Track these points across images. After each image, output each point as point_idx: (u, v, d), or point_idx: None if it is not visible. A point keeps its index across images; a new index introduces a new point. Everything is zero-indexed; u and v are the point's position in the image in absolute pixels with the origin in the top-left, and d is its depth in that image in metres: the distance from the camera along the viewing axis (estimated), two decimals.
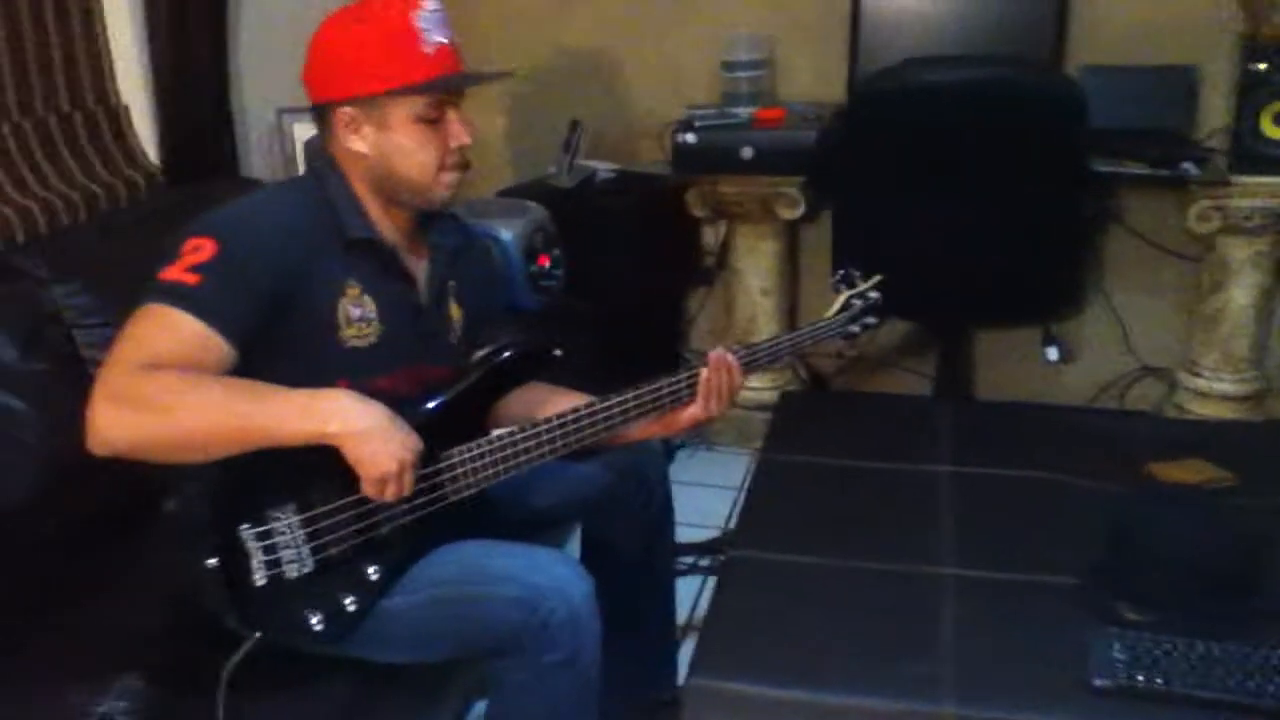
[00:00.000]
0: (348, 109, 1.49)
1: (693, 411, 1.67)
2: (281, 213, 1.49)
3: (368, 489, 1.38)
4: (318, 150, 1.58)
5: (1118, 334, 3.09)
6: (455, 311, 1.68)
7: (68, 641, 1.58)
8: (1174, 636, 1.40)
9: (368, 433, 1.34)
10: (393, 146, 1.49)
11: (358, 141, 1.50)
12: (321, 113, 1.53)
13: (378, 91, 1.46)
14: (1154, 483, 1.82)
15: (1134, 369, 3.11)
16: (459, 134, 1.51)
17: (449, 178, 1.54)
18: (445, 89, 1.50)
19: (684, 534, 1.97)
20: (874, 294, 1.92)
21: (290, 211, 1.50)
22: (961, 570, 1.63)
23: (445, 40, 1.49)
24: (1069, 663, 1.40)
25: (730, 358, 1.67)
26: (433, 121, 1.49)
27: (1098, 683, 1.35)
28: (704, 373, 1.64)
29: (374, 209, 1.54)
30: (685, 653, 2.02)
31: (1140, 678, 1.34)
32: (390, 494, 1.39)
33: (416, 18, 1.46)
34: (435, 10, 1.49)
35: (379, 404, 1.38)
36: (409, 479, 1.39)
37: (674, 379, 1.65)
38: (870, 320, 1.92)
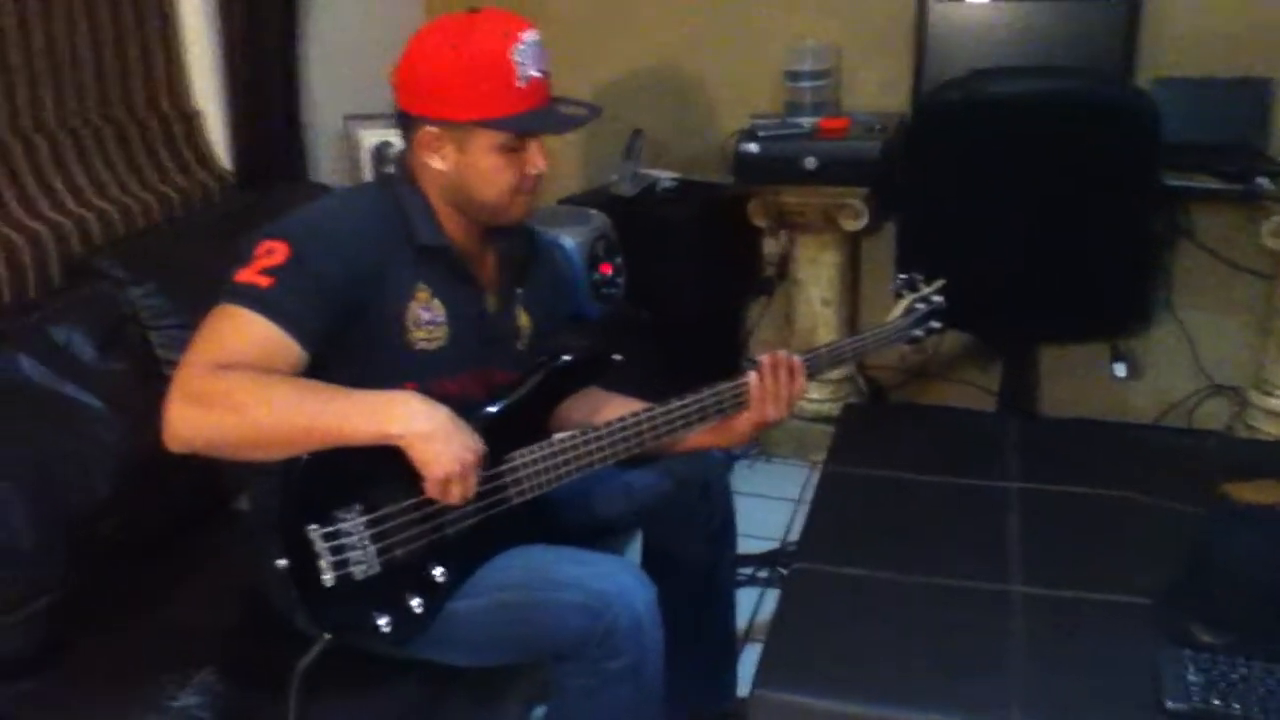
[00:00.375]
0: (431, 128, 1.49)
1: (747, 416, 1.67)
2: (354, 217, 1.51)
3: (431, 490, 1.40)
4: (396, 154, 1.60)
5: (1186, 351, 3.03)
6: (523, 319, 1.69)
7: (145, 636, 1.62)
8: (1250, 660, 1.37)
9: (431, 434, 1.36)
10: (471, 169, 1.50)
11: (437, 159, 1.51)
12: (405, 120, 1.53)
13: (463, 120, 1.47)
14: (1230, 503, 1.78)
15: (1203, 387, 3.06)
16: (536, 161, 1.52)
17: (523, 200, 1.55)
18: (532, 130, 1.50)
19: (742, 545, 1.97)
20: (937, 298, 1.90)
21: (362, 216, 1.52)
22: (1029, 588, 1.60)
23: (539, 74, 1.49)
24: (1140, 684, 1.38)
25: (796, 359, 1.67)
26: (513, 150, 1.49)
27: (1170, 705, 1.33)
28: (752, 377, 1.64)
29: (445, 216, 1.56)
30: (742, 664, 2.01)
31: (1215, 701, 1.32)
32: (455, 495, 1.40)
33: (514, 52, 1.45)
34: (534, 43, 1.48)
35: (444, 406, 1.39)
36: (472, 481, 1.41)
37: (734, 383, 1.65)
38: (934, 324, 1.90)
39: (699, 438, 1.71)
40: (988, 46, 2.86)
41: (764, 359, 1.65)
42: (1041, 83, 2.51)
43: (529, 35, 1.48)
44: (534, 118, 1.49)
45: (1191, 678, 1.35)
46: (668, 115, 3.31)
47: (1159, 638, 1.45)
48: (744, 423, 1.68)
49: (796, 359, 1.68)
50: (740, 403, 1.65)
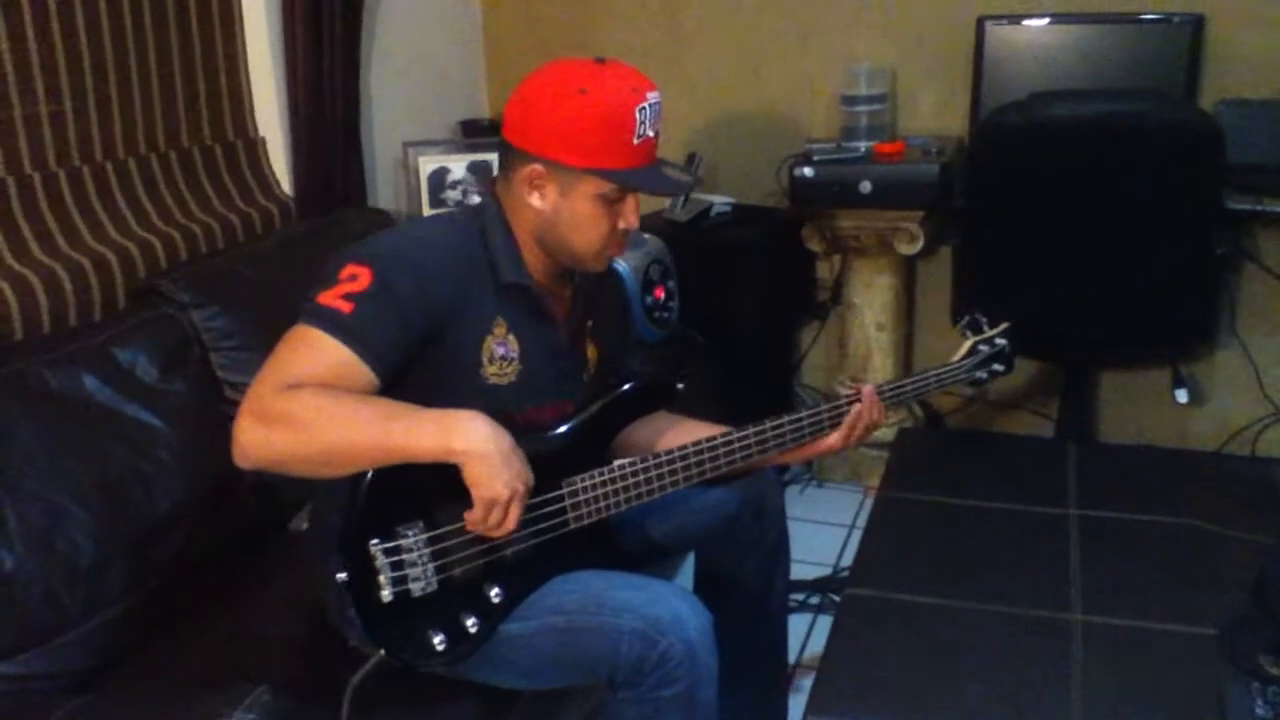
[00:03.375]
0: (538, 166, 1.49)
1: (830, 442, 1.69)
2: (440, 249, 1.51)
3: (475, 511, 1.40)
4: (487, 184, 1.60)
5: (1250, 377, 2.97)
6: (591, 351, 1.70)
7: (202, 651, 1.65)
8: None
9: (488, 457, 1.36)
10: (567, 214, 1.50)
11: (536, 197, 1.51)
12: (511, 154, 1.53)
13: (575, 165, 1.47)
14: None
15: (1267, 414, 2.99)
16: (630, 217, 1.52)
17: (609, 254, 1.56)
18: (642, 187, 1.50)
19: (794, 571, 1.95)
20: (1001, 340, 1.88)
21: (448, 248, 1.51)
22: (1090, 616, 1.58)
23: (653, 134, 1.50)
24: (1205, 717, 1.35)
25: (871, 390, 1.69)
26: (611, 202, 1.50)
27: None
28: (856, 407, 1.67)
29: (529, 253, 1.56)
30: (794, 691, 1.99)
31: None
32: (494, 522, 1.40)
33: (638, 109, 1.46)
34: (656, 103, 1.49)
35: (508, 433, 1.40)
36: (515, 510, 1.40)
37: (814, 412, 1.67)
38: (998, 367, 1.89)
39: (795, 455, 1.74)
40: (1046, 69, 2.83)
41: (866, 390, 1.70)
42: (1104, 105, 2.48)
43: (653, 95, 1.49)
44: (643, 175, 1.50)
45: (1259, 710, 1.32)
46: (723, 140, 3.32)
47: (1224, 669, 1.42)
48: (820, 449, 1.71)
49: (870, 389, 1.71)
50: (820, 429, 1.67)
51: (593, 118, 1.44)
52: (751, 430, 1.61)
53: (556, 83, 1.47)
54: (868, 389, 1.69)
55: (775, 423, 1.63)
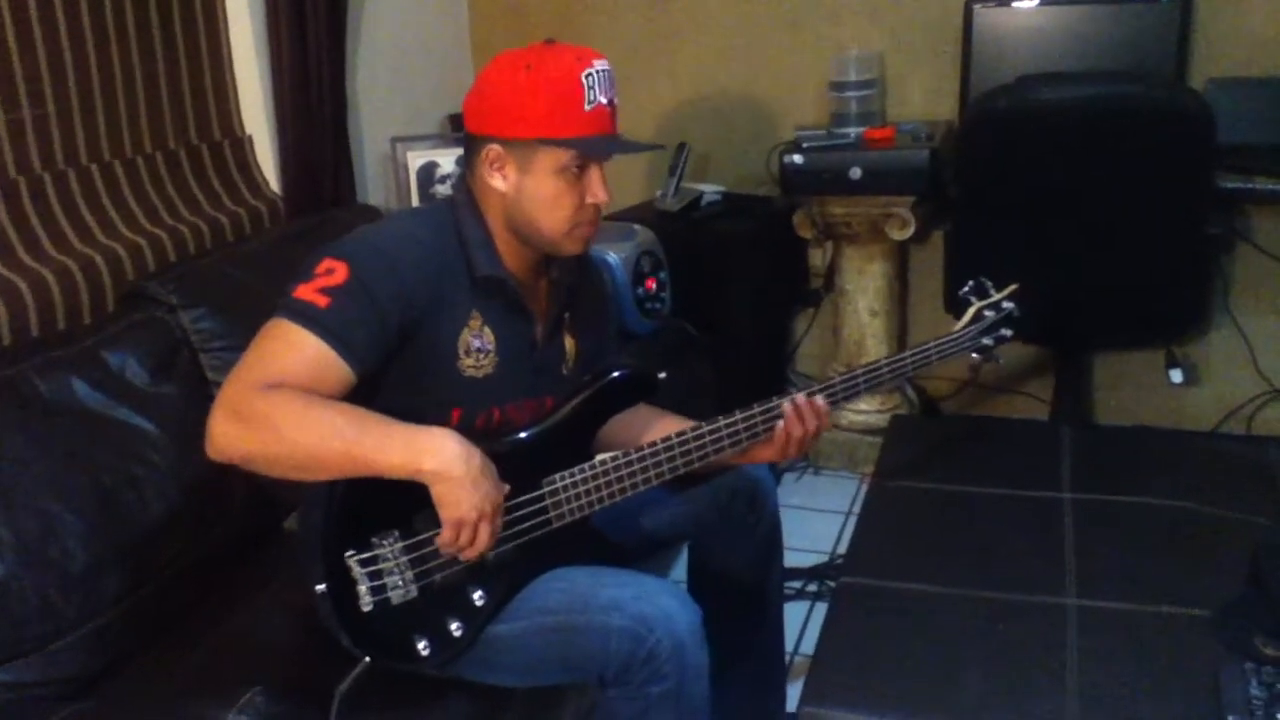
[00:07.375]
0: (495, 146, 1.50)
1: (767, 453, 1.64)
2: (415, 244, 1.51)
3: (445, 533, 1.40)
4: (458, 179, 1.60)
5: (1245, 356, 2.97)
6: (570, 344, 1.69)
7: (197, 656, 1.64)
8: None
9: (457, 479, 1.36)
10: (531, 192, 1.50)
11: (498, 179, 1.51)
12: (471, 142, 1.54)
13: (527, 137, 1.47)
14: None
15: (1262, 392, 2.99)
16: (597, 191, 1.51)
17: (581, 233, 1.54)
18: (593, 152, 1.50)
19: (791, 558, 1.95)
20: (1008, 304, 1.82)
21: (424, 243, 1.51)
22: (1085, 600, 1.58)
23: (605, 101, 1.49)
24: (1201, 699, 1.35)
25: (820, 403, 1.62)
26: (574, 176, 1.50)
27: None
28: (779, 425, 1.60)
29: (504, 245, 1.56)
30: (792, 680, 1.99)
31: (1279, 716, 1.28)
32: (464, 542, 1.40)
33: (584, 76, 1.46)
34: (604, 71, 1.49)
35: (478, 451, 1.39)
36: (485, 531, 1.40)
37: (766, 407, 1.61)
38: (1005, 332, 1.81)
39: (730, 458, 1.70)
40: (1035, 52, 2.82)
41: (786, 406, 1.60)
42: (1090, 88, 2.47)
43: (601, 63, 1.48)
44: (597, 141, 1.49)
45: (1254, 692, 1.32)
46: (712, 129, 3.31)
47: (1220, 651, 1.42)
48: (763, 456, 1.66)
49: (820, 402, 1.62)
50: (771, 427, 1.62)
51: (539, 87, 1.46)
52: (739, 415, 1.59)
53: (504, 65, 1.49)
54: (787, 405, 1.60)
55: (764, 407, 1.60)
